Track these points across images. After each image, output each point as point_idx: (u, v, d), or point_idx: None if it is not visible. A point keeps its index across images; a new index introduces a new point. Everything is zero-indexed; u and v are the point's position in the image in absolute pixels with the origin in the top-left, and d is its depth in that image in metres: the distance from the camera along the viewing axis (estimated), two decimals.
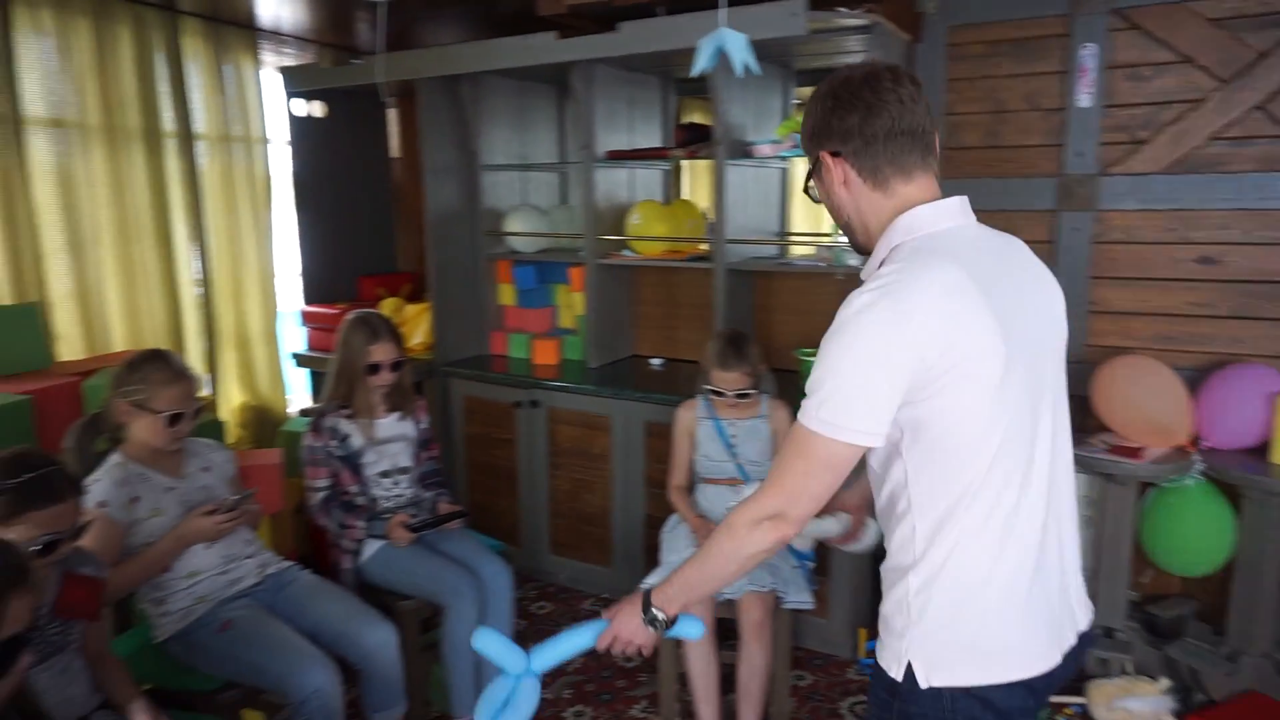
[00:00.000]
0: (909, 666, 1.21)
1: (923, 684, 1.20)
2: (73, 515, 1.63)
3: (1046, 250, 2.91)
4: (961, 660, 1.20)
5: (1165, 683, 2.48)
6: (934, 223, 1.22)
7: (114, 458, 2.08)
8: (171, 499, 2.10)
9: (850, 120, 1.22)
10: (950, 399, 1.15)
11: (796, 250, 3.45)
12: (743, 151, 3.04)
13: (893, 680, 1.23)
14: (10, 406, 2.45)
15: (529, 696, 1.40)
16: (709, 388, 2.50)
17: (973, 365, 1.14)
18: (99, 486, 1.99)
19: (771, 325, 3.34)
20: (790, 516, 1.21)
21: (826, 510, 1.68)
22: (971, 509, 1.18)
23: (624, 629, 1.39)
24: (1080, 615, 1.30)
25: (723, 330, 2.57)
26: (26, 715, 1.27)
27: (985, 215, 3.00)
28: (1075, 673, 1.31)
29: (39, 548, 1.55)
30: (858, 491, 1.70)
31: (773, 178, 3.41)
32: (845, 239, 1.39)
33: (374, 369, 2.47)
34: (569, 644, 1.41)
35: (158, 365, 2.09)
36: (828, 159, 1.26)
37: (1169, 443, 2.58)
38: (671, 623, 1.38)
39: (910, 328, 1.12)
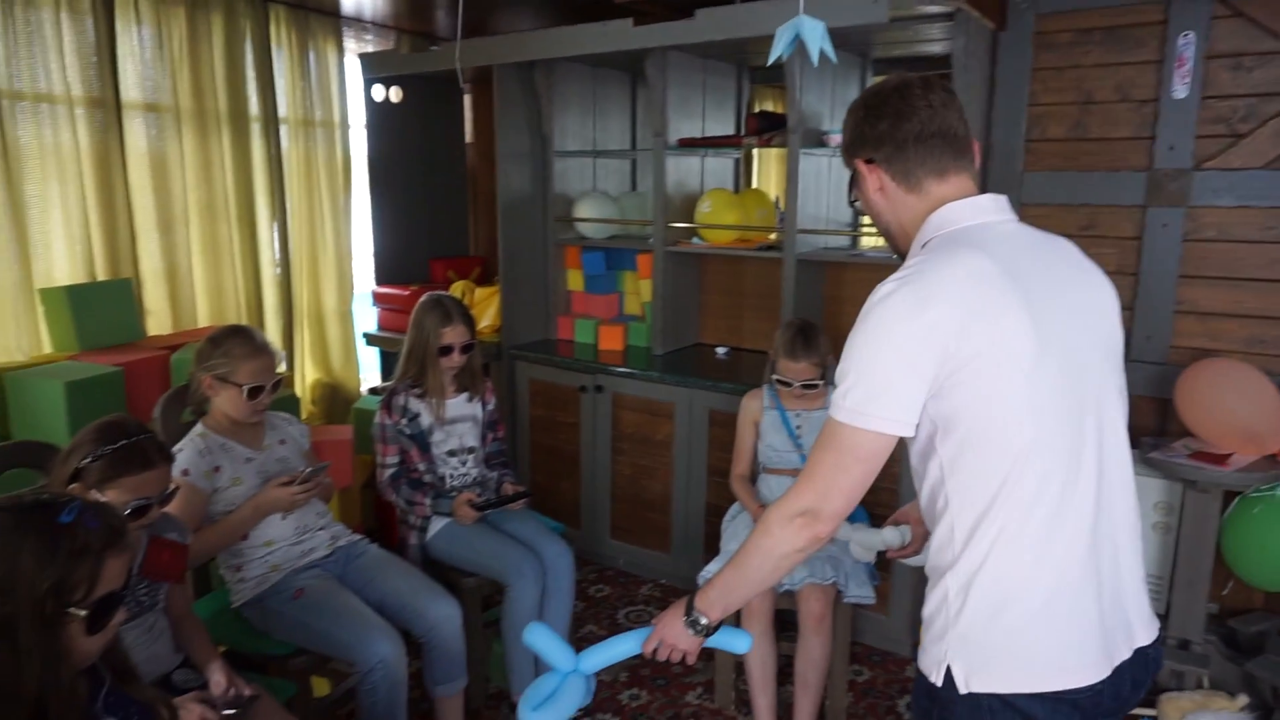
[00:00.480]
0: (948, 670, 1.18)
1: (961, 689, 1.16)
2: (162, 482, 1.71)
3: (1132, 247, 2.81)
4: (1000, 666, 1.16)
5: (1243, 699, 2.39)
6: (964, 218, 1.23)
7: (197, 429, 2.17)
8: (250, 469, 2.18)
9: (881, 127, 1.25)
10: (976, 388, 1.13)
11: (868, 241, 3.39)
12: (817, 140, 3.00)
13: (932, 685, 1.19)
14: (105, 377, 2.58)
15: (574, 693, 1.41)
16: (776, 377, 2.48)
17: (998, 353, 1.12)
18: (183, 456, 2.08)
19: (840, 317, 3.30)
20: (823, 513, 1.19)
21: (889, 521, 1.66)
22: (1007, 508, 1.14)
23: (669, 633, 1.37)
24: (1139, 629, 1.24)
25: (792, 320, 2.55)
26: (115, 668, 1.34)
27: (1067, 209, 2.94)
28: (1141, 692, 1.25)
29: (130, 511, 1.63)
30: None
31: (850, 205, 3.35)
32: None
33: (446, 350, 2.52)
34: (618, 648, 1.42)
35: (240, 340, 2.16)
36: (862, 167, 1.29)
37: (1258, 450, 2.47)
38: (714, 628, 1.36)
39: (929, 314, 1.12)
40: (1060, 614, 1.16)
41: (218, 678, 1.78)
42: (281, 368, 2.23)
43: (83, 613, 1.17)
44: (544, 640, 1.44)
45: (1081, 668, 1.16)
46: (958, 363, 1.12)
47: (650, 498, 3.35)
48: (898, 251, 1.34)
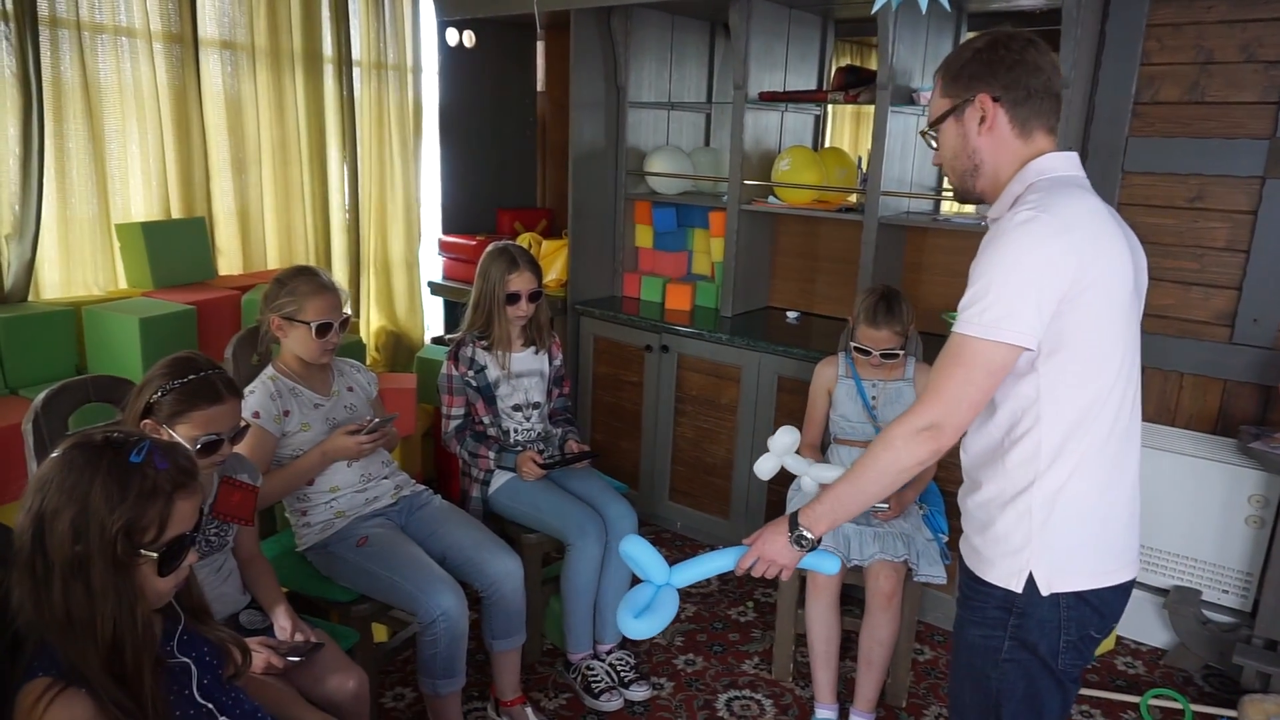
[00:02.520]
0: (1030, 577, 1.31)
1: (1044, 591, 1.30)
2: (232, 417, 1.69)
3: (1244, 222, 2.62)
4: (1081, 566, 1.31)
5: None
6: (1063, 168, 1.34)
7: (267, 371, 2.16)
8: (319, 415, 2.17)
9: (1016, 72, 1.32)
10: (1090, 310, 1.24)
11: (951, 206, 3.24)
12: (907, 97, 2.85)
13: (1008, 594, 1.33)
14: (177, 315, 2.59)
15: (669, 604, 1.46)
16: (854, 344, 2.38)
17: (1111, 281, 1.26)
18: (253, 398, 2.07)
19: (920, 285, 3.17)
20: (947, 426, 1.26)
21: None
22: (1095, 426, 1.28)
23: (768, 549, 1.43)
24: None
25: (876, 286, 2.43)
26: (189, 607, 1.33)
27: (1174, 179, 2.77)
28: None
29: (201, 447, 1.62)
30: None
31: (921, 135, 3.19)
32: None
33: (513, 298, 2.47)
34: (709, 564, 1.48)
35: (305, 278, 2.13)
36: (986, 101, 1.33)
37: None
38: (816, 543, 1.42)
39: (1068, 238, 1.22)
40: (1123, 518, 1.35)
41: (283, 622, 1.79)
42: (347, 309, 2.20)
43: (154, 554, 1.15)
44: (641, 552, 1.49)
45: (1133, 562, 1.38)
46: (1080, 287, 1.22)
47: (712, 462, 3.29)
48: (969, 191, 1.41)
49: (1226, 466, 2.59)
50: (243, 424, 1.75)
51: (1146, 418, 2.84)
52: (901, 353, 2.38)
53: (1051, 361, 1.26)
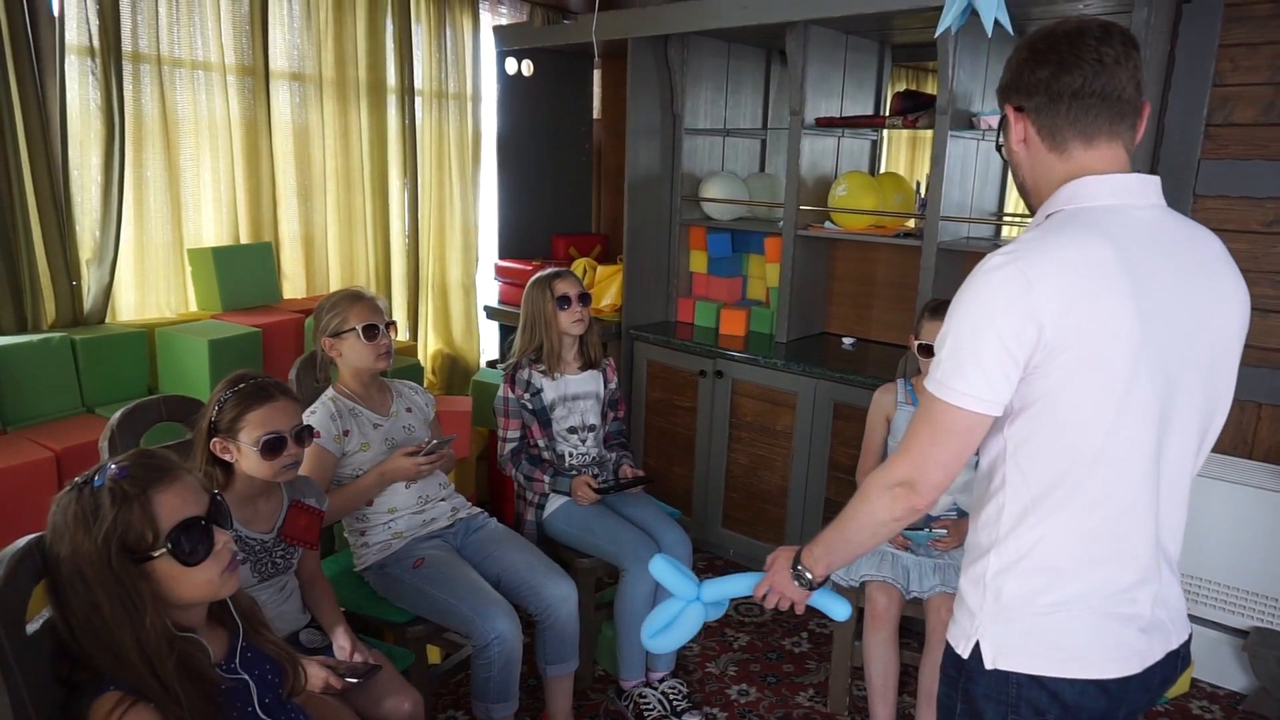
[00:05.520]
0: (976, 645, 1.18)
1: (988, 665, 1.17)
2: (289, 416, 1.73)
3: None
4: (1032, 649, 1.15)
5: None
6: (1098, 196, 1.13)
7: (328, 393, 2.20)
8: (378, 435, 2.20)
9: (1039, 74, 1.14)
10: (1062, 380, 1.08)
11: (1012, 232, 3.18)
12: (967, 122, 2.81)
13: (959, 656, 1.21)
14: (245, 337, 2.66)
15: (693, 621, 1.47)
16: (919, 343, 2.32)
17: (1094, 349, 1.07)
18: (314, 418, 2.11)
19: None
20: (919, 485, 1.15)
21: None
22: (1069, 504, 1.12)
23: (777, 581, 1.39)
24: (1174, 632, 1.22)
25: (937, 297, 2.39)
26: (245, 617, 1.35)
27: (1250, 203, 2.68)
28: (1168, 687, 1.24)
29: (264, 446, 1.67)
30: None
31: (995, 152, 3.14)
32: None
33: (563, 301, 2.49)
34: (736, 584, 1.46)
35: (341, 294, 2.23)
36: (1011, 114, 1.20)
37: None
38: (819, 583, 1.36)
39: (1030, 297, 1.05)
40: (1107, 615, 1.15)
41: (343, 642, 1.81)
42: (392, 318, 2.26)
43: (164, 549, 1.17)
44: (669, 570, 1.49)
45: (1115, 661, 1.15)
46: (1049, 351, 1.07)
47: (766, 489, 3.25)
48: (1030, 208, 1.26)
49: None
50: (304, 425, 1.78)
51: (1221, 449, 2.73)
52: None
53: (1018, 422, 1.12)
